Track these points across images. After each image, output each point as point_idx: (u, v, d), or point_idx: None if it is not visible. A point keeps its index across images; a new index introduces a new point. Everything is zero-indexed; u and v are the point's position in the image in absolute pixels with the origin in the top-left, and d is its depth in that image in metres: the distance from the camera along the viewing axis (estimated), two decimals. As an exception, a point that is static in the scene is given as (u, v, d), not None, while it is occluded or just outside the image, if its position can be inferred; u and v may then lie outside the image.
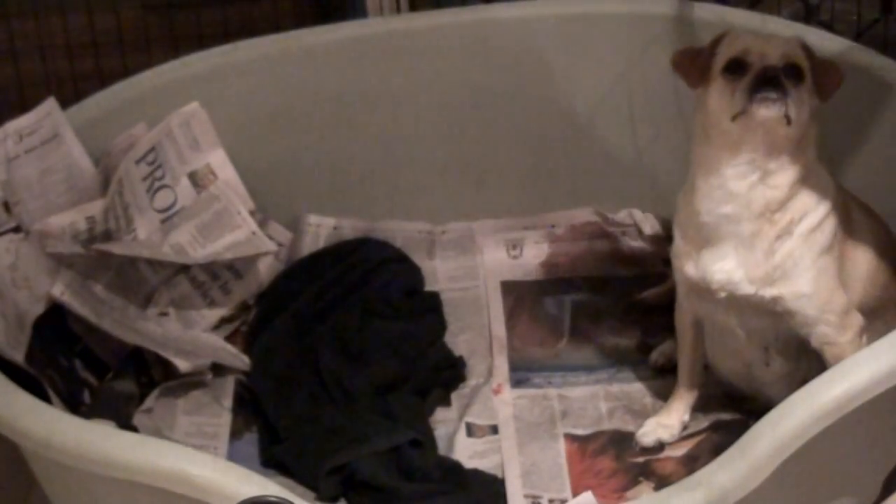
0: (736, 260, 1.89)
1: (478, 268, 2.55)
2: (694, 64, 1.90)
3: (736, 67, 1.84)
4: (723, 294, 1.91)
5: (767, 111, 1.80)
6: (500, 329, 2.38)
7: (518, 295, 2.47)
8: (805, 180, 1.88)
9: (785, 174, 1.86)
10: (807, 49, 1.88)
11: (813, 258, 1.88)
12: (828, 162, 1.96)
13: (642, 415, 2.13)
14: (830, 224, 1.90)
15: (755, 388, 2.05)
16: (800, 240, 1.87)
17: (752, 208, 1.86)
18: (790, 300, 1.89)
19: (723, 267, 1.90)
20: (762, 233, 1.87)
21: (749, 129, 1.82)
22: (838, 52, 2.31)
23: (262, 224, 2.43)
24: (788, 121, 1.81)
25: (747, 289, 1.89)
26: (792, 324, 1.92)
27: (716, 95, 1.86)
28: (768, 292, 1.89)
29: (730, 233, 1.88)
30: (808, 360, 1.96)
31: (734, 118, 1.82)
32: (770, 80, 1.80)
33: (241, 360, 2.23)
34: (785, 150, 1.84)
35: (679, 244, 1.96)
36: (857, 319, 1.92)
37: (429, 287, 2.48)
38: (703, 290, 1.94)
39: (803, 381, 1.90)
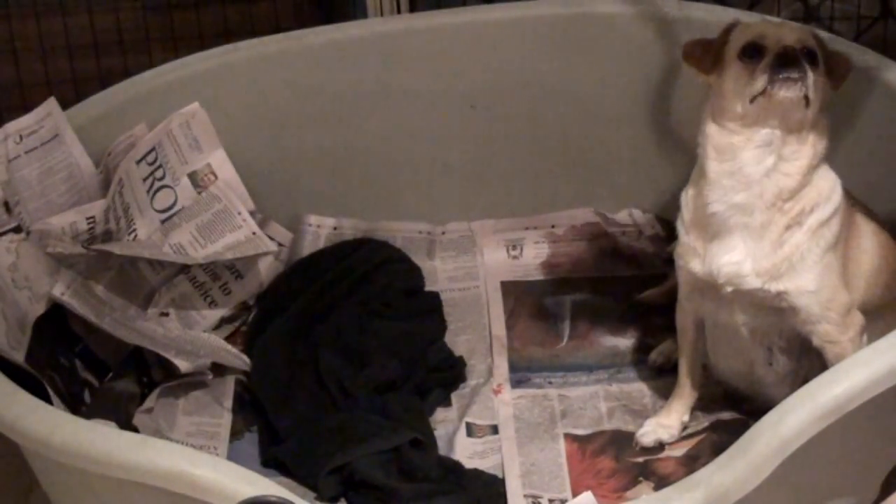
0: (744, 251, 1.89)
1: (478, 268, 2.55)
2: (706, 52, 1.93)
3: (753, 51, 1.86)
4: (729, 289, 1.91)
5: (788, 91, 1.82)
6: (500, 329, 2.38)
7: (518, 295, 2.47)
8: (816, 171, 1.89)
9: (798, 161, 1.87)
10: (818, 37, 1.89)
11: (819, 254, 1.88)
12: (827, 162, 1.96)
13: (642, 415, 2.13)
14: (837, 221, 1.90)
15: (756, 389, 2.05)
16: (808, 233, 1.88)
17: (765, 197, 1.87)
18: (795, 296, 1.89)
19: (731, 259, 1.90)
20: (773, 223, 1.88)
21: (767, 110, 1.84)
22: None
23: (262, 224, 2.44)
24: (807, 102, 1.82)
25: (754, 282, 1.89)
26: (795, 321, 1.92)
27: (732, 79, 1.87)
28: (774, 287, 1.89)
29: (739, 224, 1.89)
30: (809, 360, 1.96)
31: (753, 100, 1.84)
32: (790, 61, 1.82)
33: (242, 361, 2.23)
34: (800, 134, 1.85)
35: (684, 241, 1.96)
36: (859, 318, 1.92)
37: (429, 287, 2.48)
38: (709, 287, 1.94)
39: (804, 381, 1.91)
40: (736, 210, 1.88)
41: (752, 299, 1.92)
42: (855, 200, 2.00)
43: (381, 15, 2.77)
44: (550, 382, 2.24)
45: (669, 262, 2.13)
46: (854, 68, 1.92)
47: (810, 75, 1.82)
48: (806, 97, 1.82)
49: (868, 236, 1.98)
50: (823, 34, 2.00)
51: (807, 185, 1.88)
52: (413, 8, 2.80)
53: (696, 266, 1.94)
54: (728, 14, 2.49)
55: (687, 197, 1.96)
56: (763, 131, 1.85)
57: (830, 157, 1.96)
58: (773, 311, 1.92)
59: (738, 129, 1.87)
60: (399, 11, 2.78)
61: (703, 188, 1.91)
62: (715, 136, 1.89)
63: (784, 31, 1.87)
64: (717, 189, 1.89)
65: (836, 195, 1.91)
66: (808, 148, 1.87)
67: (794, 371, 1.99)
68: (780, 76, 1.81)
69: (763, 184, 1.86)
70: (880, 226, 2.03)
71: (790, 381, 1.98)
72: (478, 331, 2.38)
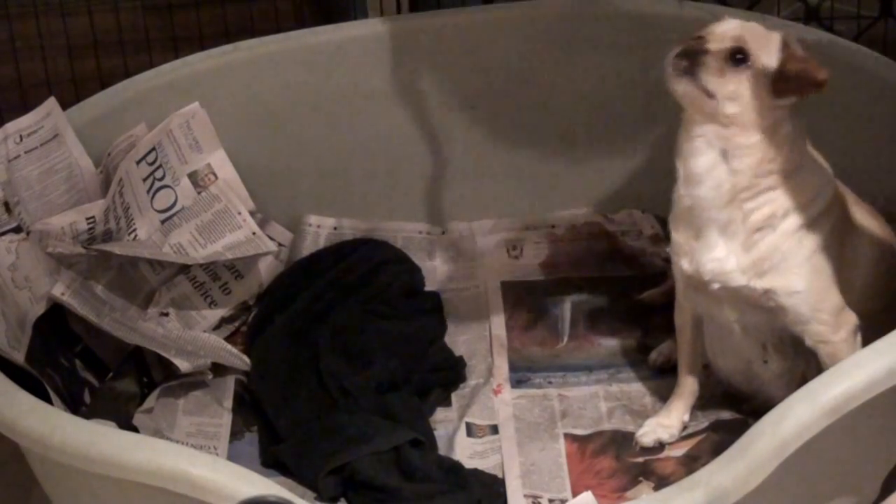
0: (725, 248, 1.90)
1: (478, 268, 2.55)
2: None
3: (689, 48, 1.89)
4: (716, 285, 1.91)
5: (674, 83, 1.86)
6: (500, 329, 2.38)
7: (518, 295, 2.47)
8: (788, 175, 1.88)
9: (745, 159, 1.86)
10: (786, 45, 1.88)
11: (805, 256, 1.88)
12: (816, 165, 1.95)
13: (642, 415, 2.13)
14: (825, 224, 1.90)
15: (754, 386, 2.05)
16: (785, 236, 1.88)
17: (721, 193, 1.87)
18: (782, 296, 1.89)
19: (713, 256, 1.90)
20: (736, 221, 1.88)
21: (681, 102, 1.89)
22: (838, 52, 2.31)
23: (262, 224, 2.44)
24: (708, 94, 1.84)
25: (739, 279, 1.89)
26: (786, 320, 1.92)
27: None
28: (759, 284, 1.89)
29: (710, 219, 1.89)
30: (805, 359, 1.96)
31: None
32: (688, 53, 1.86)
33: (242, 361, 2.24)
34: (744, 132, 1.85)
35: (674, 239, 1.97)
36: (852, 318, 1.92)
37: (429, 287, 2.48)
38: (698, 284, 1.95)
39: (802, 379, 1.92)
40: (701, 203, 1.89)
41: (740, 297, 1.92)
42: (856, 200, 2.00)
43: (381, 15, 2.77)
44: (550, 382, 2.24)
45: (669, 261, 2.13)
46: (827, 82, 1.87)
47: (709, 69, 1.84)
48: (706, 90, 1.83)
49: (866, 238, 1.97)
50: (815, 39, 1.98)
51: (772, 188, 1.87)
52: (413, 8, 2.81)
53: (684, 264, 1.95)
54: (728, 14, 2.49)
55: (673, 194, 1.97)
56: (696, 126, 1.87)
57: (828, 158, 1.95)
58: (763, 309, 1.92)
59: (683, 125, 1.90)
60: (399, 11, 2.78)
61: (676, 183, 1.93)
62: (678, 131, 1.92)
63: (723, 30, 1.88)
64: (682, 184, 1.91)
65: (822, 199, 1.90)
66: (755, 147, 1.86)
67: (789, 369, 1.99)
68: (669, 69, 1.86)
69: (713, 177, 1.87)
70: (881, 227, 2.02)
71: (787, 380, 1.98)
72: (478, 331, 2.38)
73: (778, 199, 1.88)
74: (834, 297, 1.90)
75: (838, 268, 1.91)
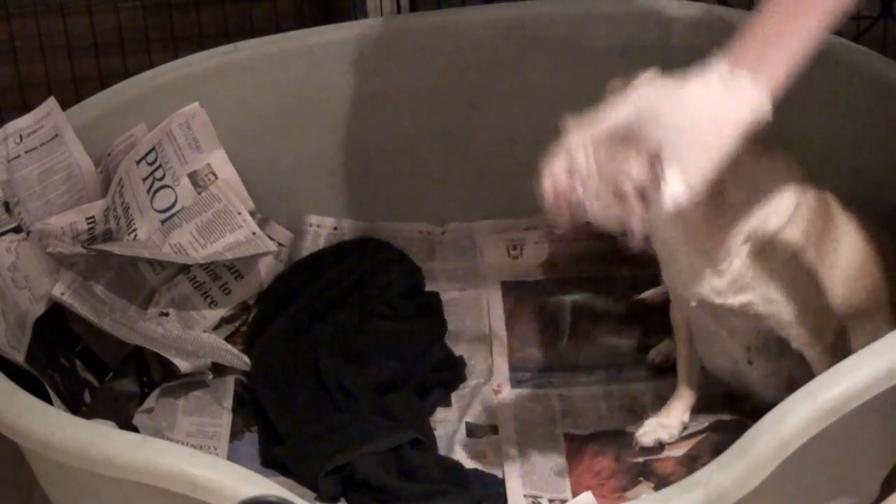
0: (695, 275, 1.88)
1: (478, 268, 2.55)
2: None
3: None
4: (693, 303, 1.90)
5: None
6: (500, 329, 2.38)
7: (518, 295, 2.47)
8: (739, 210, 1.83)
9: (691, 221, 1.81)
10: None
11: (775, 268, 1.86)
12: (824, 163, 1.95)
13: (642, 415, 2.13)
14: (793, 235, 1.86)
15: (744, 386, 2.05)
16: (752, 257, 1.85)
17: (676, 241, 1.85)
18: (761, 305, 1.87)
19: (683, 280, 1.89)
20: (697, 257, 1.86)
21: None
22: (838, 52, 2.31)
23: (262, 224, 2.44)
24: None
25: (715, 299, 1.88)
26: (769, 325, 1.91)
27: None
28: (735, 301, 1.87)
29: (678, 248, 1.88)
30: (791, 359, 1.95)
31: None
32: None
33: (242, 361, 2.24)
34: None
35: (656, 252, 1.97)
36: (836, 321, 1.91)
37: (429, 287, 2.48)
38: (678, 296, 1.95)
39: (789, 379, 1.92)
40: (665, 235, 1.87)
41: (719, 310, 1.91)
42: (843, 202, 1.97)
43: (381, 15, 2.76)
44: (550, 382, 2.24)
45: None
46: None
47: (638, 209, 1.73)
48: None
49: (846, 242, 1.94)
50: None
51: (729, 223, 1.83)
52: (413, 8, 2.80)
53: (664, 276, 1.95)
54: (728, 14, 2.49)
55: None
56: None
57: (827, 159, 1.95)
58: (745, 316, 1.91)
59: None
60: (399, 11, 2.77)
61: None
62: None
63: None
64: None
65: (778, 217, 1.84)
66: (702, 217, 1.80)
67: (775, 371, 1.98)
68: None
69: (665, 231, 1.85)
70: (869, 226, 2.00)
71: (774, 381, 1.98)
72: (478, 331, 2.38)
73: (733, 232, 1.83)
74: (814, 302, 1.89)
75: (819, 271, 1.89)
